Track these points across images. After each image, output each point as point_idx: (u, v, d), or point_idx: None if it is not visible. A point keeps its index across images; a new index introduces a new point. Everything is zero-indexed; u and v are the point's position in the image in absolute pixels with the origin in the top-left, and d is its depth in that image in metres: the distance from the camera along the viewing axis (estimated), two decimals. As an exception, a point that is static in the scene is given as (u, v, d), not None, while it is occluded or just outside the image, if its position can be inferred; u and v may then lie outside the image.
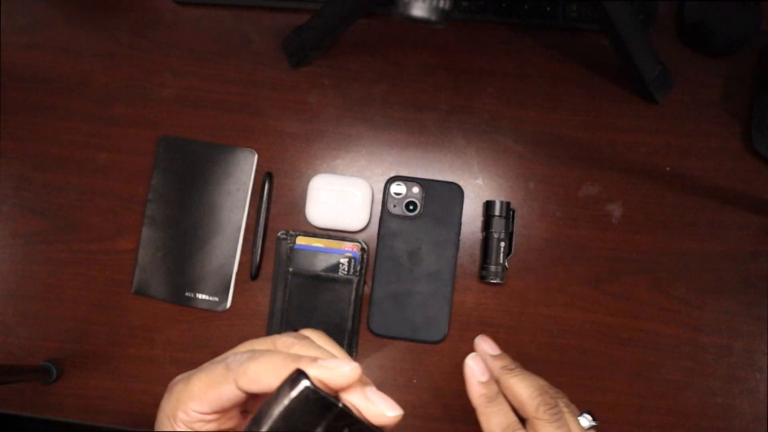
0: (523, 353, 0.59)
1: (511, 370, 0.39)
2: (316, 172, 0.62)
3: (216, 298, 0.61)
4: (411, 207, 0.61)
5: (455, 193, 0.61)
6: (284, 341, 0.32)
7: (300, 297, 0.59)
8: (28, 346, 0.61)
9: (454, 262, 0.60)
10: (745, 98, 0.62)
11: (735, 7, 0.60)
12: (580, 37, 0.63)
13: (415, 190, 0.61)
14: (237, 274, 0.61)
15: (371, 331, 0.59)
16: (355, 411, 0.28)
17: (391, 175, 0.62)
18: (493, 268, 0.59)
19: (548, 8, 0.62)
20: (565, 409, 0.38)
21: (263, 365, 0.29)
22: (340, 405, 0.28)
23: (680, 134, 0.62)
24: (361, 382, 0.29)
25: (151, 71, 0.64)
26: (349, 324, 0.59)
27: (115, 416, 0.60)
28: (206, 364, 0.31)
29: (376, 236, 0.61)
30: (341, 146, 0.63)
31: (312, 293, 0.59)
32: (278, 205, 0.62)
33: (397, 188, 0.61)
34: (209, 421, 0.31)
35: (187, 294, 0.61)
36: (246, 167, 0.62)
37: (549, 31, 0.63)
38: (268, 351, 0.30)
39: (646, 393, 0.58)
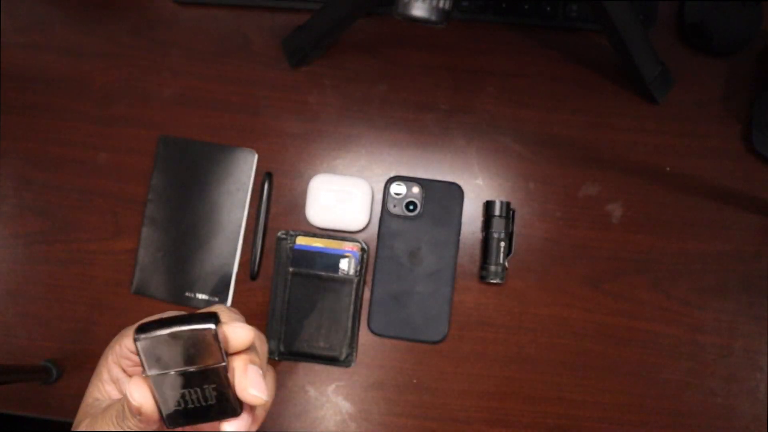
0: (523, 353, 0.59)
1: None
2: (316, 172, 0.62)
3: (216, 298, 0.61)
4: (411, 207, 0.60)
5: (455, 193, 0.61)
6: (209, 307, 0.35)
7: (300, 297, 0.59)
8: (28, 346, 0.61)
9: (454, 262, 0.60)
10: (745, 98, 0.62)
11: (735, 7, 0.60)
12: (580, 37, 0.63)
13: (415, 190, 0.61)
14: (237, 274, 0.61)
15: (371, 331, 0.59)
16: (231, 377, 0.31)
17: (391, 175, 0.62)
18: (493, 268, 0.59)
19: (548, 8, 0.62)
20: None
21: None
22: (224, 363, 0.30)
23: (680, 134, 0.62)
24: (250, 360, 0.31)
25: (151, 71, 0.64)
26: (349, 324, 0.59)
27: (115, 416, 0.60)
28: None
29: (376, 236, 0.61)
30: (341, 146, 0.63)
31: (312, 293, 0.59)
32: (278, 205, 0.62)
33: (397, 188, 0.61)
34: (131, 366, 0.35)
35: (187, 294, 0.61)
36: (246, 167, 0.62)
37: (549, 31, 0.63)
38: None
39: (646, 393, 0.58)
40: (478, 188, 0.62)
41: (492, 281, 0.59)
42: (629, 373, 0.58)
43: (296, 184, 0.62)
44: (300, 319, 0.59)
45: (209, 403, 0.30)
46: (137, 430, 0.31)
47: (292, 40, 0.62)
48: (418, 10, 0.41)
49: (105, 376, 0.35)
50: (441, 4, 0.41)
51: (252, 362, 0.31)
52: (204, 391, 0.30)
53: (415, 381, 0.59)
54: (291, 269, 0.59)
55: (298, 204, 0.62)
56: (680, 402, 0.58)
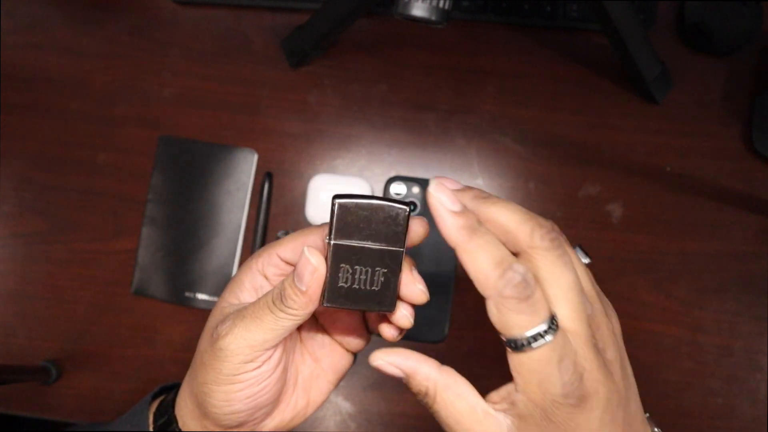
0: (523, 353, 0.59)
1: (487, 198, 0.31)
2: (316, 172, 0.62)
3: (216, 298, 0.61)
4: (411, 207, 0.60)
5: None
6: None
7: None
8: (28, 346, 0.61)
9: (454, 263, 0.60)
10: (745, 98, 0.62)
11: (735, 7, 0.60)
12: (580, 37, 0.63)
13: (415, 190, 0.61)
14: (237, 274, 0.61)
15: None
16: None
17: (391, 175, 0.62)
18: (493, 268, 0.58)
19: (548, 8, 0.62)
20: (562, 237, 0.30)
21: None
22: (403, 250, 0.30)
23: (680, 134, 0.62)
24: (414, 264, 0.32)
25: (151, 71, 0.64)
26: (349, 324, 0.59)
27: (114, 416, 0.60)
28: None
29: (376, 236, 0.61)
30: (341, 146, 0.63)
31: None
32: (278, 205, 0.62)
33: (397, 188, 0.61)
34: (276, 274, 0.34)
35: (187, 294, 0.61)
36: (246, 167, 0.62)
37: (549, 31, 0.63)
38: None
39: (646, 393, 0.58)
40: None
41: (492, 281, 0.59)
42: (629, 373, 0.58)
43: (296, 184, 0.62)
44: (300, 319, 0.59)
45: (373, 288, 0.30)
46: (295, 311, 0.31)
47: (292, 40, 0.62)
48: (418, 10, 0.41)
49: (247, 284, 0.34)
50: (441, 4, 0.41)
51: (415, 267, 0.32)
52: (374, 274, 0.30)
53: (415, 381, 0.59)
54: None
55: (298, 204, 0.62)
56: (680, 402, 0.58)
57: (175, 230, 0.61)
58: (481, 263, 0.29)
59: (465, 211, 0.30)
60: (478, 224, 0.30)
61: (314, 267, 0.30)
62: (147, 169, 0.63)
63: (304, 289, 0.30)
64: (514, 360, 0.28)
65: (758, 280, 0.59)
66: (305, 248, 0.30)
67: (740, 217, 0.60)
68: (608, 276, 0.60)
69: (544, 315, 0.27)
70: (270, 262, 0.34)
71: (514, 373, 0.28)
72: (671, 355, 0.59)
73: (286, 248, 0.34)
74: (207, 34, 0.65)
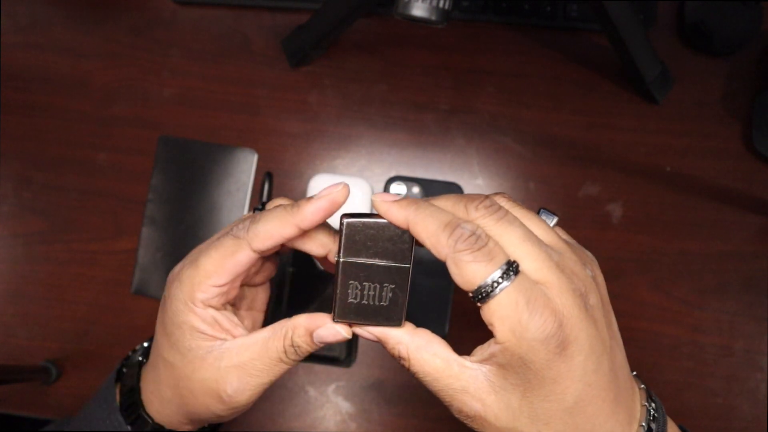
0: (523, 353, 0.59)
1: (422, 198, 0.32)
2: (316, 172, 0.62)
3: (216, 298, 0.61)
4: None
5: (455, 193, 0.61)
6: (271, 203, 0.36)
7: (300, 297, 0.59)
8: (28, 346, 0.61)
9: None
10: (745, 98, 0.62)
11: (735, 7, 0.60)
12: (580, 37, 0.63)
13: (415, 190, 0.61)
14: (237, 274, 0.61)
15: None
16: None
17: (391, 175, 0.62)
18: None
19: (548, 8, 0.62)
20: (506, 204, 0.32)
21: (271, 221, 0.33)
22: (410, 266, 0.31)
23: (680, 134, 0.62)
24: None
25: (151, 71, 0.64)
26: (349, 324, 0.59)
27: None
28: (204, 246, 0.34)
29: (376, 236, 0.61)
30: (341, 146, 0.63)
31: (312, 293, 0.59)
32: (278, 205, 0.62)
33: (397, 188, 0.61)
34: (224, 293, 0.34)
35: (187, 294, 0.61)
36: (246, 167, 0.62)
37: (549, 31, 0.63)
38: (267, 211, 0.34)
39: (646, 393, 0.58)
40: (478, 188, 0.62)
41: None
42: (629, 373, 0.58)
43: (296, 184, 0.62)
44: (300, 319, 0.59)
45: (381, 303, 0.32)
46: (306, 354, 0.34)
47: (292, 40, 0.62)
48: (418, 10, 0.41)
49: (200, 325, 0.34)
50: (441, 4, 0.41)
51: None
52: (382, 290, 0.32)
53: (415, 381, 0.59)
54: (290, 269, 0.59)
55: (298, 204, 0.62)
56: (680, 402, 0.58)
57: (175, 230, 0.62)
58: (431, 228, 0.29)
59: (407, 197, 0.32)
60: (422, 201, 0.31)
61: (345, 338, 0.33)
62: (147, 169, 0.63)
63: (321, 345, 0.33)
64: (485, 312, 0.29)
65: (758, 280, 0.59)
66: (336, 325, 0.32)
67: (740, 217, 0.60)
68: (608, 276, 0.59)
69: (501, 260, 0.28)
70: (208, 296, 0.34)
71: (489, 326, 0.29)
72: (671, 355, 0.59)
73: (219, 275, 0.33)
74: (207, 34, 0.65)
